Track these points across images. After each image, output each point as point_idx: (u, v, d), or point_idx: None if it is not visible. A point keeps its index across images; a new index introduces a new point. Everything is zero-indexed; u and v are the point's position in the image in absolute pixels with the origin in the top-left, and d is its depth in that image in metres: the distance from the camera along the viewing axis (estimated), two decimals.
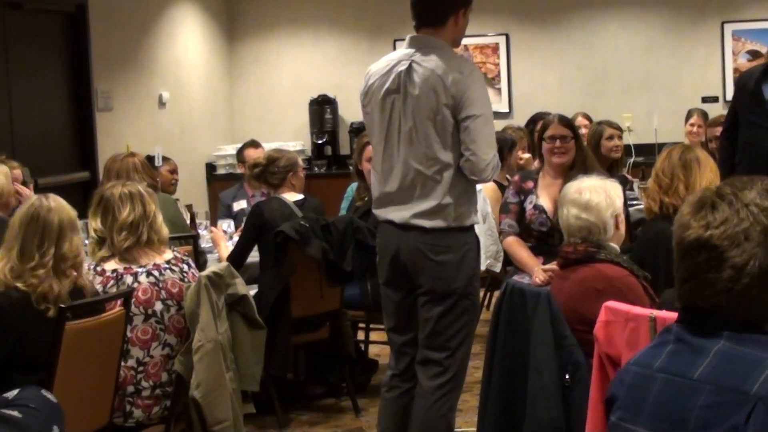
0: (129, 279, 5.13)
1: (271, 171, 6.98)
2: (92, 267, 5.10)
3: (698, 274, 2.27)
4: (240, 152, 9.21)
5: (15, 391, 2.78)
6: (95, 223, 5.18)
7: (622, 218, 4.85)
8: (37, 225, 4.63)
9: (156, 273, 5.20)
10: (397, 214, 5.11)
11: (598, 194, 4.84)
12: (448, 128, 4.93)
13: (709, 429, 2.16)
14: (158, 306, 5.18)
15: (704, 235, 2.27)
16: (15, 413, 2.57)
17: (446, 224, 5.02)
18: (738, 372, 2.17)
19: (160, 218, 5.30)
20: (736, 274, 2.22)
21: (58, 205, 4.72)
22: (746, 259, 2.22)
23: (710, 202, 2.30)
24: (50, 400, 2.83)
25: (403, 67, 5.04)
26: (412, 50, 5.06)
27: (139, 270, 5.17)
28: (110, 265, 5.15)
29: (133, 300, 5.05)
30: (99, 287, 5.03)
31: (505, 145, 8.51)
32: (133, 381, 5.11)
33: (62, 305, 4.55)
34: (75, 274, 4.70)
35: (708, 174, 5.39)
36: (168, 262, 5.29)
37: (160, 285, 5.19)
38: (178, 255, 5.41)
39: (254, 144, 9.24)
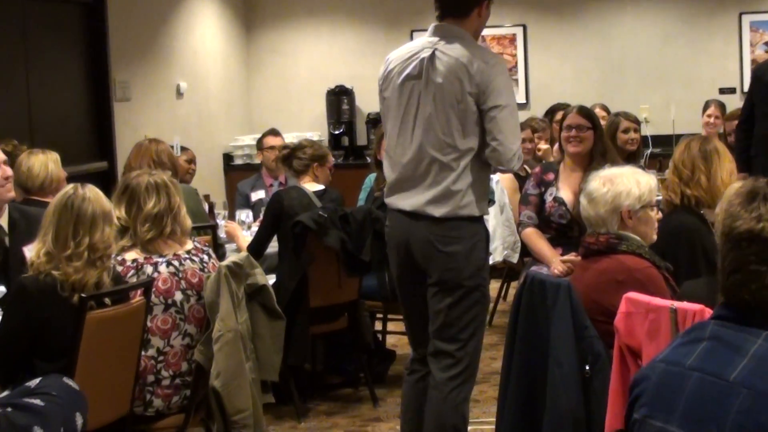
0: (149, 269, 5.13)
1: (297, 156, 7.02)
2: (113, 256, 5.10)
3: (746, 266, 2.24)
4: (260, 140, 9.21)
5: (37, 380, 2.78)
6: (119, 212, 5.16)
7: (639, 215, 4.77)
8: (71, 213, 4.63)
9: (176, 263, 5.20)
10: (408, 201, 5.10)
11: (605, 185, 4.78)
12: (470, 117, 4.94)
13: None
14: (178, 296, 5.17)
15: (756, 228, 2.24)
16: (37, 401, 2.56)
17: (454, 211, 5.02)
18: None
19: (183, 210, 5.29)
20: None
21: (93, 195, 4.72)
22: None
23: (762, 193, 2.28)
24: (72, 387, 2.82)
25: (426, 54, 5.03)
26: (436, 38, 5.06)
27: (160, 260, 5.17)
28: (131, 255, 5.14)
29: (153, 290, 5.05)
30: None
31: None
32: (153, 370, 5.11)
33: (84, 294, 4.55)
34: (104, 264, 4.70)
35: (727, 165, 5.37)
36: (188, 252, 5.28)
37: (180, 275, 5.18)
38: (198, 245, 5.41)
39: (274, 132, 9.25)
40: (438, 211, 5.02)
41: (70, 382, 2.84)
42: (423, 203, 5.05)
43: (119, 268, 5.03)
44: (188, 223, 5.34)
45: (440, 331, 5.10)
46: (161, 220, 5.19)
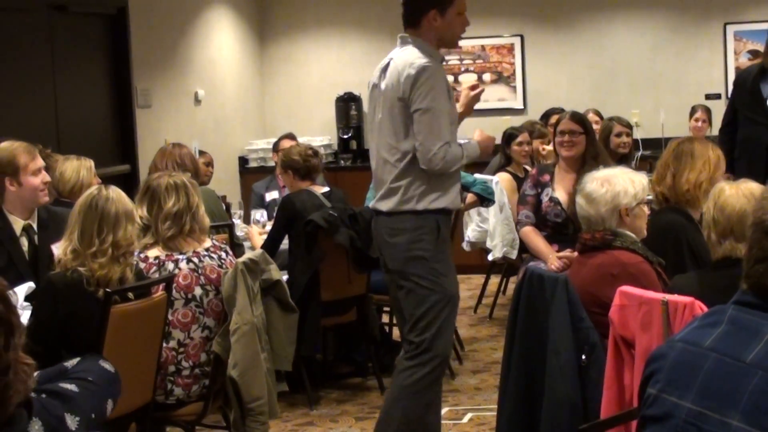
0: (170, 265, 5.13)
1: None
2: (136, 253, 5.09)
3: None
4: (276, 144, 9.21)
5: (75, 360, 2.75)
6: (141, 211, 5.16)
7: (635, 212, 4.77)
8: (95, 213, 4.64)
9: (196, 260, 5.20)
10: (375, 201, 5.29)
11: (603, 186, 4.78)
12: (406, 120, 5.03)
13: (761, 412, 2.12)
14: (198, 291, 5.17)
15: None
16: (72, 387, 2.53)
17: (397, 206, 5.11)
18: None
19: (202, 209, 5.30)
20: None
21: (116, 195, 4.72)
22: None
23: None
24: (109, 371, 2.79)
25: (384, 63, 5.22)
26: (397, 48, 5.20)
27: (180, 257, 5.17)
28: (153, 252, 5.15)
29: (174, 285, 5.05)
30: None
31: (508, 138, 8.61)
32: (174, 361, 5.11)
33: (108, 289, 4.55)
34: (127, 260, 4.70)
35: (699, 166, 5.28)
36: (207, 249, 5.28)
37: (200, 271, 5.18)
38: (217, 243, 5.41)
39: (290, 136, 9.26)
40: (385, 206, 5.16)
41: (107, 365, 2.81)
42: (377, 201, 5.23)
43: (142, 265, 5.03)
44: (206, 221, 5.35)
45: (402, 319, 5.27)
46: (180, 219, 5.20)
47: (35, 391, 2.39)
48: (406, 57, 5.03)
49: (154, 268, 5.10)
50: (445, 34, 5.14)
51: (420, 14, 5.09)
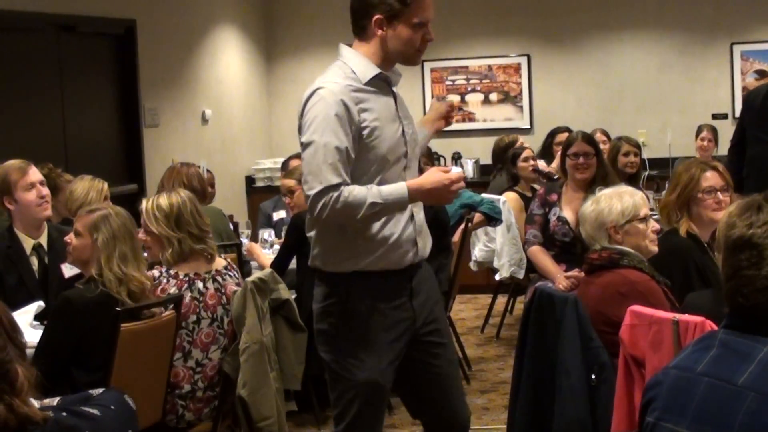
0: (200, 284, 5.12)
1: None
2: (165, 270, 5.08)
3: (739, 271, 2.25)
4: (285, 163, 9.20)
5: (100, 390, 2.79)
6: (159, 228, 5.13)
7: (627, 229, 4.77)
8: (126, 230, 4.74)
9: (219, 279, 5.20)
10: None
11: (591, 205, 4.82)
12: None
13: None
14: (220, 311, 5.17)
15: (747, 234, 2.25)
16: (95, 411, 2.57)
17: (310, 261, 4.20)
18: None
19: (209, 229, 5.27)
20: None
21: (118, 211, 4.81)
22: None
23: (757, 204, 2.29)
24: (130, 405, 2.82)
25: None
26: None
27: (206, 275, 5.16)
28: (183, 270, 5.12)
29: (203, 305, 5.06)
30: (174, 290, 5.03)
31: (512, 157, 8.62)
32: (191, 381, 5.09)
33: (118, 308, 4.57)
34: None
35: (671, 187, 5.30)
36: (225, 268, 5.28)
37: (222, 291, 5.19)
38: (229, 261, 5.42)
39: (299, 157, 9.23)
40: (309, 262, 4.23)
41: (129, 400, 2.84)
42: None
43: (173, 282, 5.03)
44: (213, 242, 5.32)
45: None
46: (199, 238, 5.16)
47: (58, 410, 2.42)
48: (317, 78, 4.11)
49: (186, 285, 5.08)
50: (395, 48, 4.05)
51: (363, 19, 4.10)
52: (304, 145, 3.94)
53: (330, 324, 4.11)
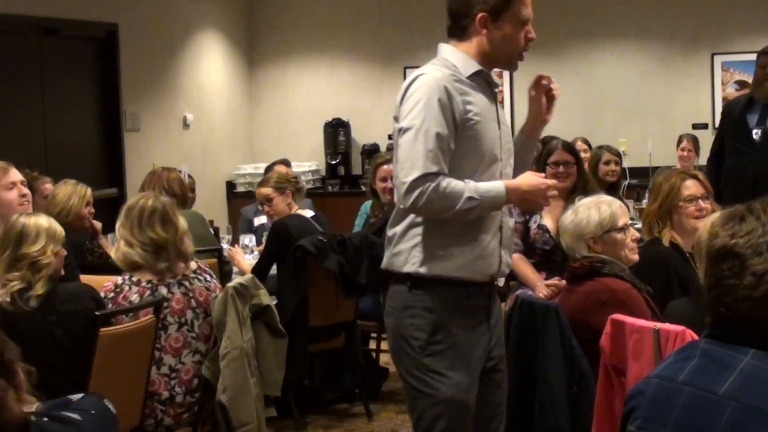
0: (164, 290, 5.10)
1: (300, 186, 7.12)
2: (127, 278, 5.07)
3: (721, 281, 2.25)
4: (269, 168, 9.19)
5: (79, 395, 2.77)
6: (125, 234, 5.13)
7: (605, 239, 4.77)
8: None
9: (186, 283, 5.18)
10: None
11: (570, 216, 4.83)
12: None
13: None
14: (189, 314, 5.15)
15: (729, 243, 2.25)
16: (75, 416, 2.55)
17: (386, 262, 3.89)
18: (762, 392, 2.14)
19: (185, 232, 5.24)
20: (756, 281, 2.20)
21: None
22: (767, 267, 2.20)
23: (740, 214, 2.29)
24: (110, 410, 2.80)
25: None
26: None
27: (171, 281, 5.14)
28: (145, 276, 5.11)
29: (168, 310, 5.04)
30: (135, 297, 5.01)
31: None
32: (168, 387, 5.06)
33: (97, 312, 4.55)
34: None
35: (652, 198, 5.37)
36: (194, 272, 5.26)
37: (190, 294, 5.17)
38: (201, 266, 5.40)
39: (285, 162, 9.25)
40: (383, 261, 3.94)
41: (110, 405, 2.82)
42: None
43: (135, 289, 5.01)
44: (190, 245, 5.29)
45: None
46: (165, 243, 5.13)
47: (39, 415, 2.41)
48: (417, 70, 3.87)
49: (148, 292, 5.07)
50: (498, 48, 3.86)
51: (465, 19, 3.85)
52: (403, 131, 3.70)
53: (413, 337, 3.80)
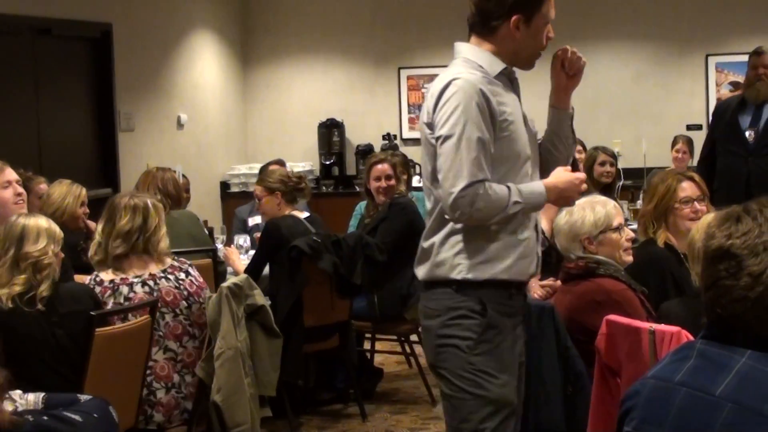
0: (125, 289, 5.08)
1: (302, 186, 7.05)
2: (93, 277, 5.08)
3: (718, 281, 2.24)
4: (264, 168, 9.17)
5: (86, 397, 2.77)
6: (99, 227, 5.18)
7: (600, 240, 4.77)
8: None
9: (151, 282, 5.14)
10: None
11: (565, 217, 4.83)
12: (433, 152, 3.74)
13: None
14: (157, 315, 5.12)
15: (725, 244, 2.25)
16: (76, 417, 2.56)
17: (430, 272, 3.80)
18: (759, 393, 2.14)
19: (162, 232, 5.21)
20: (752, 282, 2.20)
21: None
22: (763, 268, 2.20)
23: (736, 215, 2.29)
24: (113, 417, 2.81)
25: None
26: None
27: (135, 280, 5.12)
28: (107, 276, 5.09)
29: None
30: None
31: None
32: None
33: (92, 312, 4.54)
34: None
35: (647, 198, 5.37)
36: (164, 271, 5.23)
37: (155, 294, 5.13)
38: (176, 264, 5.34)
39: (279, 162, 9.24)
40: (420, 273, 3.88)
41: (113, 412, 2.83)
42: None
43: (98, 289, 5.00)
44: (165, 244, 5.26)
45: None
46: (131, 238, 5.13)
47: (39, 414, 2.41)
48: (444, 73, 3.77)
49: (109, 291, 5.05)
50: (524, 48, 3.86)
51: (498, 20, 3.78)
52: (443, 139, 3.63)
53: (462, 337, 3.73)
